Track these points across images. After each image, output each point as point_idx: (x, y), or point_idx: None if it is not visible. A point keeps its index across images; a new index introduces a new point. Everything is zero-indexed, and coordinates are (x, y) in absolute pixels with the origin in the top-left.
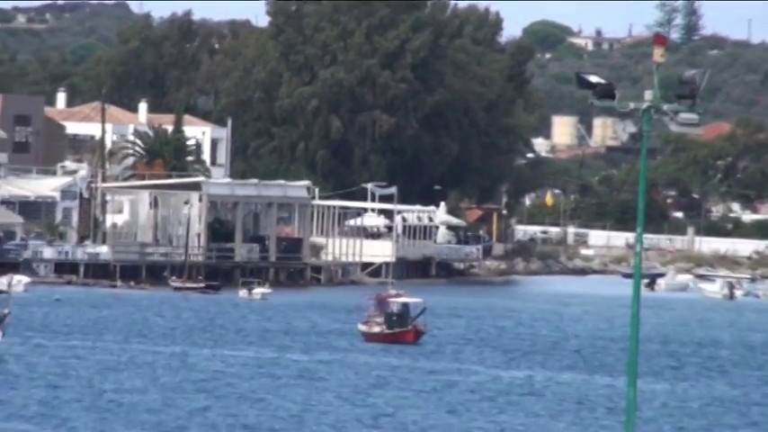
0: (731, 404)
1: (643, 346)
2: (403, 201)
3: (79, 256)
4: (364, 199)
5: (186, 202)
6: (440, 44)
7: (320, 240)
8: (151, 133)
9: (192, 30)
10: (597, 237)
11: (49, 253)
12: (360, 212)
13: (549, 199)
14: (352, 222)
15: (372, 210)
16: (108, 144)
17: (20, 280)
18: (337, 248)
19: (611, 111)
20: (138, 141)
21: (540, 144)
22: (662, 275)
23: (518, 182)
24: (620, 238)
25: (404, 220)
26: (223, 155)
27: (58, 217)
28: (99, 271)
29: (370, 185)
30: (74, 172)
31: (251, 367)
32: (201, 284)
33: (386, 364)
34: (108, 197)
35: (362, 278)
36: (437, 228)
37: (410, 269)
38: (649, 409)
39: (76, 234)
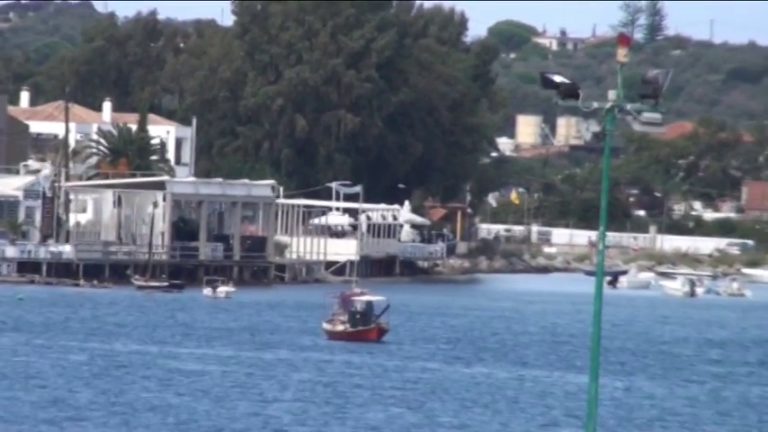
0: (688, 400)
1: (602, 342)
2: (367, 199)
3: (42, 256)
4: (329, 198)
5: (154, 203)
6: (405, 44)
7: (284, 239)
8: (115, 132)
9: (157, 29)
10: (560, 235)
11: (11, 252)
12: (324, 211)
13: (514, 197)
14: (316, 221)
15: (337, 208)
16: (71, 143)
17: None
18: (301, 247)
19: (575, 110)
20: (102, 140)
21: (504, 143)
22: (624, 273)
23: (482, 181)
24: (583, 237)
25: (368, 218)
26: (187, 154)
27: (21, 216)
28: (62, 270)
29: (334, 184)
30: (37, 171)
31: (212, 365)
32: (165, 283)
33: (348, 362)
34: (71, 196)
35: (326, 276)
36: (401, 226)
37: (374, 267)
38: (604, 406)
39: (39, 233)
